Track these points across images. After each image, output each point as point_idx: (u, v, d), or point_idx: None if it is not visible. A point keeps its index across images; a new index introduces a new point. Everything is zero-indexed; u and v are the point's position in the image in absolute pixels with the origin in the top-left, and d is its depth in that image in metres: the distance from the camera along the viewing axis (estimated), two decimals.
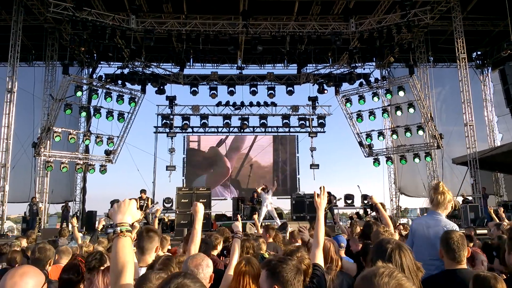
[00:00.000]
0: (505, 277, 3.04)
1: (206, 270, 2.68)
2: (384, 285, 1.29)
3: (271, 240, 5.93)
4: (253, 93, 20.94)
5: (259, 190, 14.86)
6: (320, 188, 3.19)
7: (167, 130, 22.16)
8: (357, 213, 17.19)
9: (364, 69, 20.43)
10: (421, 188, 19.53)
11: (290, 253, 2.99)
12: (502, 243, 3.69)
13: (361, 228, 5.35)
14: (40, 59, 20.21)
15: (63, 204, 18.96)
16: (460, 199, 17.02)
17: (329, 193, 16.95)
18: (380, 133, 20.35)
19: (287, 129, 22.80)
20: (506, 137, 21.46)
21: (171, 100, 21.69)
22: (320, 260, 2.91)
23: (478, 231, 10.55)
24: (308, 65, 20.75)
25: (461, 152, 18.06)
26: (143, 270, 3.36)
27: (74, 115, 18.68)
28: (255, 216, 7.83)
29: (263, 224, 13.10)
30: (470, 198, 16.86)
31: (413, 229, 3.93)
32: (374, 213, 18.39)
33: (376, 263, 2.17)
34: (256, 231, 7.98)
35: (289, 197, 19.51)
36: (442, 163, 19.17)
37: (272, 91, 20.95)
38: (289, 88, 20.96)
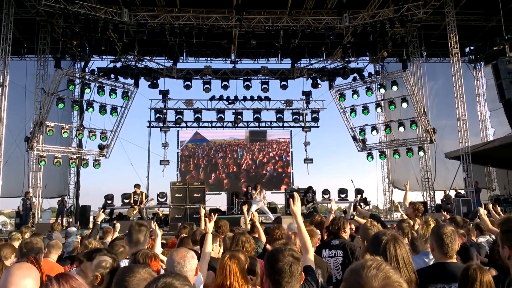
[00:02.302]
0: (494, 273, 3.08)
1: (192, 261, 2.69)
2: (372, 277, 1.30)
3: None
4: (247, 87, 20.91)
5: (254, 193, 14.50)
6: (293, 195, 3.24)
7: (161, 124, 22.09)
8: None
9: (357, 63, 20.45)
10: (414, 182, 19.63)
11: (285, 244, 3.07)
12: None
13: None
14: (32, 53, 19.97)
15: (58, 198, 18.90)
16: (452, 193, 17.17)
17: (310, 187, 17.02)
18: (374, 128, 20.43)
19: (281, 124, 22.84)
20: (499, 131, 21.58)
21: (164, 94, 21.62)
22: (312, 263, 2.93)
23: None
24: (302, 59, 20.70)
25: (454, 146, 18.17)
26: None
27: (66, 109, 18.55)
28: (245, 208, 7.87)
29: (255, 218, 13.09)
30: (462, 192, 17.00)
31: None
32: (367, 207, 18.52)
33: (372, 255, 2.21)
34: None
35: (283, 191, 19.59)
36: (435, 157, 19.30)
37: (266, 86, 20.93)
38: (283, 83, 20.95)
